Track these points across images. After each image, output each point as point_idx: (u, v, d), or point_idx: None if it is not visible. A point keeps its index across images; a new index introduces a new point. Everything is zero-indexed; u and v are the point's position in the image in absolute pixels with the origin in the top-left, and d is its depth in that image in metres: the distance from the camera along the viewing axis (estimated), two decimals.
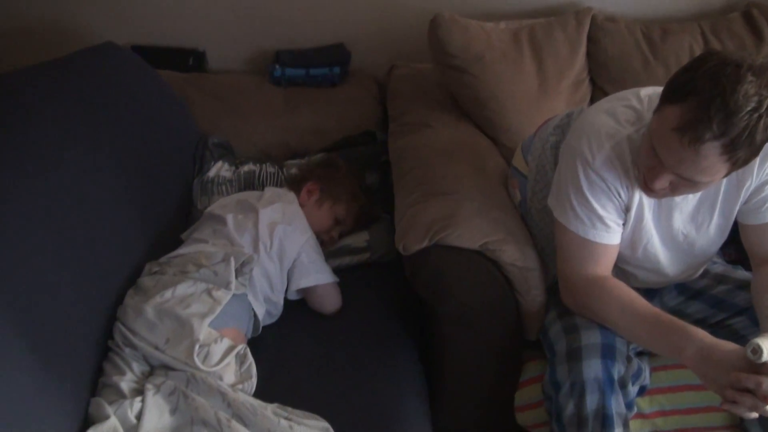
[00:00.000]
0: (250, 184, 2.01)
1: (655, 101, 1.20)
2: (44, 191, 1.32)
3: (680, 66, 1.16)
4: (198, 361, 1.32)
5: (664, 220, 1.40)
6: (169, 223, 1.77)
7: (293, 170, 2.03)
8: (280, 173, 2.04)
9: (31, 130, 1.38)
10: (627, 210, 1.37)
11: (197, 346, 1.33)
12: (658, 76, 2.02)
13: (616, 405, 1.31)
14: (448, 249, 1.47)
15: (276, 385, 1.44)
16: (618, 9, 2.23)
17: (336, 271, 1.75)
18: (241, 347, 1.42)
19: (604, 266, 1.40)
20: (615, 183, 1.33)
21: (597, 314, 1.38)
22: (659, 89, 1.21)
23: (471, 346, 1.56)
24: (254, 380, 1.40)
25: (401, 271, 1.62)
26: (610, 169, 1.32)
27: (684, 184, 1.21)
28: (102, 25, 2.32)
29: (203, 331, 1.36)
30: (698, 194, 1.36)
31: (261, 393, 1.39)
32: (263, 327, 1.62)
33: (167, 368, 1.35)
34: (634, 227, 1.40)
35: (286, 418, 1.27)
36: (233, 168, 2.03)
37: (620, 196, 1.35)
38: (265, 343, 1.58)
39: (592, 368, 1.31)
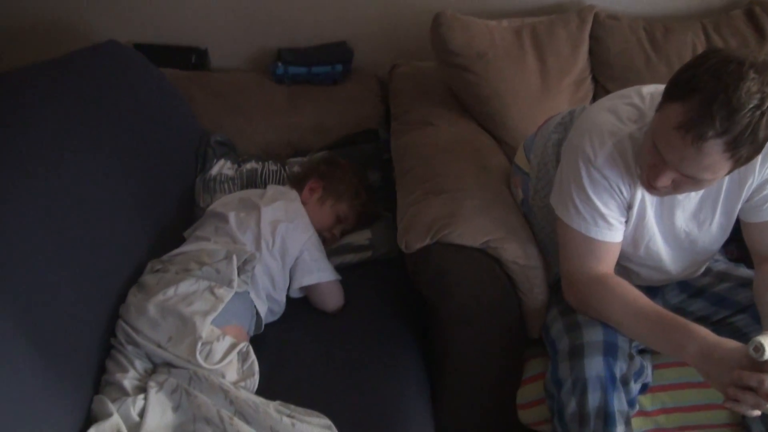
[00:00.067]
0: (253, 182, 2.01)
1: (657, 99, 1.20)
2: (46, 190, 1.32)
3: (683, 64, 1.16)
4: (200, 359, 1.32)
5: (666, 217, 1.40)
6: (172, 221, 1.77)
7: (295, 168, 2.03)
8: (283, 171, 2.04)
9: (33, 128, 1.39)
10: (629, 207, 1.37)
11: (200, 344, 1.34)
12: (661, 74, 2.01)
13: (618, 402, 1.31)
14: (450, 247, 1.47)
15: (278, 382, 1.44)
16: (620, 7, 2.23)
17: (338, 269, 1.75)
18: (244, 345, 1.42)
19: (607, 264, 1.40)
20: (617, 181, 1.33)
21: (599, 312, 1.38)
22: (661, 87, 1.21)
23: (473, 343, 1.56)
24: (256, 378, 1.40)
25: (403, 269, 1.62)
26: (613, 167, 1.32)
27: (687, 181, 1.21)
28: (104, 24, 2.33)
29: (206, 328, 1.36)
30: (700, 192, 1.36)
31: (263, 390, 1.39)
32: (265, 325, 1.62)
33: (170, 366, 1.35)
34: (637, 225, 1.40)
35: (288, 416, 1.27)
36: (236, 166, 2.04)
37: (622, 194, 1.35)
38: (267, 341, 1.58)
39: (594, 366, 1.31)
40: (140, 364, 1.36)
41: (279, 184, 1.98)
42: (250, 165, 2.04)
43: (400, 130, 2.02)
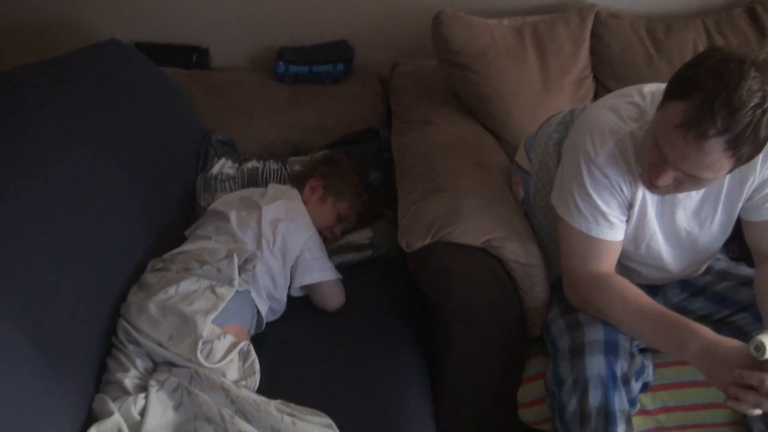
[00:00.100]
0: (254, 180, 2.01)
1: (658, 98, 1.20)
2: (46, 189, 1.32)
3: (684, 62, 1.16)
4: (201, 358, 1.33)
5: (667, 216, 1.40)
6: (172, 219, 1.77)
7: (296, 167, 2.03)
8: (284, 170, 2.04)
9: (33, 127, 1.39)
10: (630, 206, 1.37)
11: (200, 343, 1.34)
12: (662, 73, 2.01)
13: (619, 401, 1.31)
14: (451, 246, 1.47)
15: (279, 381, 1.44)
16: (621, 5, 2.22)
17: (339, 268, 1.75)
18: (244, 344, 1.42)
19: (608, 263, 1.40)
20: (618, 179, 1.33)
21: (600, 311, 1.38)
22: (662, 86, 1.21)
23: (474, 342, 1.56)
24: (257, 377, 1.40)
25: (404, 268, 1.63)
26: (613, 166, 1.32)
27: (688, 180, 1.21)
28: (105, 23, 2.33)
29: (206, 327, 1.36)
30: (701, 191, 1.36)
31: (264, 389, 1.39)
32: (266, 324, 1.62)
33: (171, 365, 1.35)
34: (637, 224, 1.40)
35: (289, 415, 1.27)
36: (236, 165, 2.04)
37: (623, 193, 1.34)
38: (268, 340, 1.58)
39: (595, 365, 1.31)
40: (141, 363, 1.36)
41: (280, 183, 1.98)
42: (251, 164, 2.04)
43: (400, 129, 2.02)
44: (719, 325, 1.46)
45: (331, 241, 1.84)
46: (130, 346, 1.37)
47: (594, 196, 1.34)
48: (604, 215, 1.35)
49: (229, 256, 1.52)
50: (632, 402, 1.37)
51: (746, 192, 1.35)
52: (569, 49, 2.06)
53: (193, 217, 1.87)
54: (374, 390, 1.44)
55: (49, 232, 1.28)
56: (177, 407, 1.29)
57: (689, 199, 1.38)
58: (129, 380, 1.31)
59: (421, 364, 1.60)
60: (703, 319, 1.46)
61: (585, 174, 1.34)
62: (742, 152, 1.11)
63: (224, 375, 1.34)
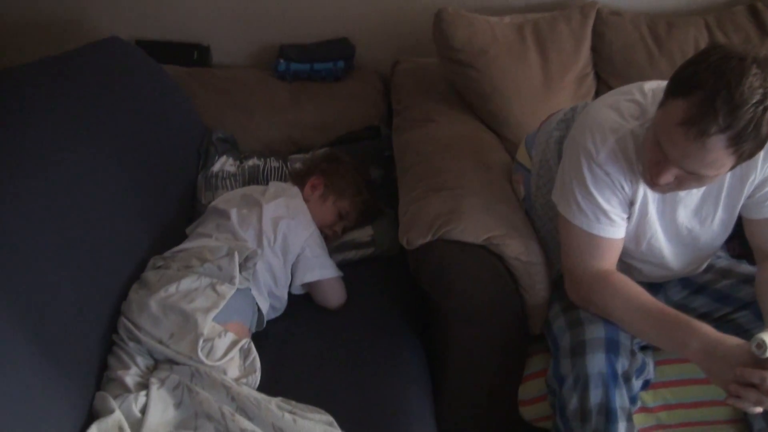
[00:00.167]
0: (254, 178, 2.01)
1: (659, 95, 1.20)
2: (47, 187, 1.32)
3: (685, 60, 1.16)
4: (202, 356, 1.33)
5: (668, 214, 1.40)
6: (174, 217, 1.77)
7: (297, 165, 2.03)
8: (285, 168, 2.04)
9: (34, 126, 1.39)
10: (631, 204, 1.37)
11: (201, 341, 1.34)
12: (663, 70, 2.01)
13: (620, 399, 1.31)
14: (451, 243, 1.47)
15: (280, 379, 1.44)
16: (623, 3, 2.22)
17: (340, 265, 1.75)
18: (245, 341, 1.42)
19: (609, 261, 1.40)
20: (619, 177, 1.33)
21: (602, 309, 1.38)
22: (663, 83, 1.21)
23: (475, 340, 1.56)
24: (258, 374, 1.40)
25: (405, 266, 1.62)
26: (614, 164, 1.32)
27: (690, 178, 1.21)
28: (106, 20, 2.33)
29: (207, 325, 1.36)
30: (702, 189, 1.36)
31: (265, 387, 1.39)
32: (267, 321, 1.62)
33: (172, 362, 1.35)
34: (639, 221, 1.40)
35: (290, 412, 1.27)
36: (237, 162, 2.04)
37: (624, 190, 1.34)
38: (269, 338, 1.58)
39: (596, 362, 1.31)
40: (142, 361, 1.36)
41: (281, 180, 1.98)
42: (251, 162, 2.04)
43: (401, 127, 2.02)
44: (720, 323, 1.46)
45: (331, 238, 1.84)
46: (131, 344, 1.37)
47: (595, 193, 1.34)
48: (605, 213, 1.35)
49: (230, 254, 1.52)
50: (633, 399, 1.37)
51: (747, 190, 1.35)
52: (570, 46, 2.06)
53: (194, 215, 1.88)
54: (375, 388, 1.44)
55: (49, 230, 1.28)
56: (178, 405, 1.29)
57: (690, 197, 1.38)
58: (130, 378, 1.31)
59: (421, 362, 1.60)
60: (704, 316, 1.47)
61: (586, 172, 1.34)
62: (743, 149, 1.11)
63: (225, 373, 1.34)
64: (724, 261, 1.58)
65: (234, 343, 1.39)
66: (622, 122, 1.32)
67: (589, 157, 1.33)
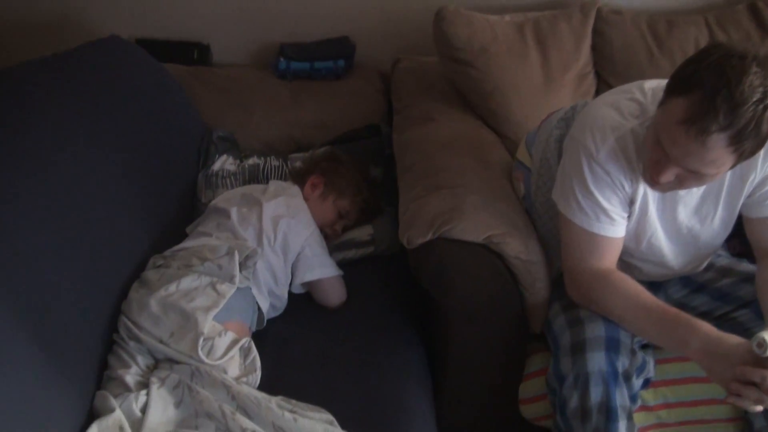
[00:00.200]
0: (255, 177, 2.01)
1: (659, 94, 1.20)
2: (47, 186, 1.32)
3: (685, 59, 1.16)
4: (202, 355, 1.33)
5: (668, 213, 1.40)
6: (174, 216, 1.77)
7: (297, 164, 2.03)
8: (285, 167, 2.04)
9: (34, 124, 1.39)
10: (631, 203, 1.37)
11: (201, 340, 1.33)
12: (664, 69, 2.01)
13: (620, 398, 1.31)
14: (452, 242, 1.47)
15: (280, 378, 1.44)
16: (623, 1, 2.22)
17: (340, 264, 1.75)
18: (245, 340, 1.42)
19: (609, 259, 1.40)
20: (619, 176, 1.33)
21: (602, 307, 1.38)
22: (663, 82, 1.21)
23: (475, 338, 1.56)
24: (258, 373, 1.40)
25: (405, 265, 1.62)
26: (614, 162, 1.32)
27: (690, 176, 1.21)
28: (107, 19, 2.33)
29: (207, 324, 1.36)
30: (702, 187, 1.36)
31: (265, 386, 1.39)
32: (267, 320, 1.62)
33: (172, 361, 1.35)
34: (639, 220, 1.40)
35: (290, 411, 1.27)
36: (238, 161, 2.04)
37: (624, 189, 1.34)
38: (269, 337, 1.58)
39: (596, 361, 1.31)
40: (142, 360, 1.36)
41: (281, 179, 1.98)
42: (252, 160, 2.04)
43: (402, 126, 2.02)
44: (720, 322, 1.46)
45: (332, 237, 1.84)
46: (132, 343, 1.37)
47: (595, 192, 1.34)
48: (605, 211, 1.35)
49: (230, 253, 1.52)
50: (633, 398, 1.37)
51: (747, 188, 1.35)
52: (571, 45, 2.06)
53: (194, 214, 1.87)
54: (375, 387, 1.44)
55: (49, 230, 1.28)
56: (178, 404, 1.29)
57: (690, 196, 1.38)
58: (130, 377, 1.31)
59: (422, 361, 1.60)
60: (704, 315, 1.46)
61: (586, 170, 1.34)
62: (744, 148, 1.11)
63: (225, 372, 1.34)
64: (725, 259, 1.58)
65: (234, 342, 1.39)
66: (622, 121, 1.32)
67: (590, 156, 1.33)
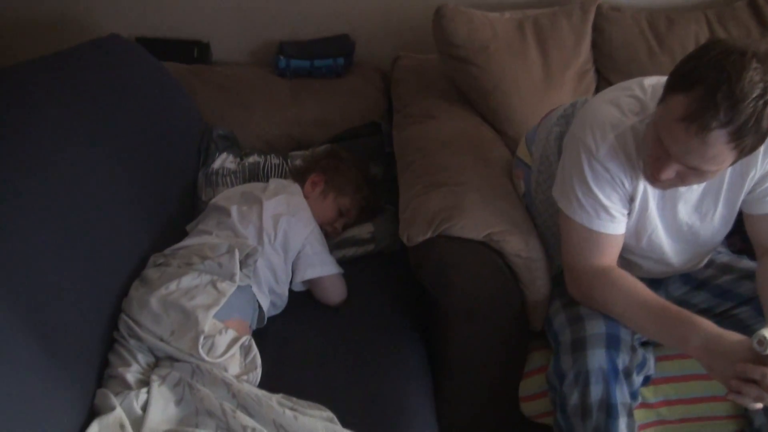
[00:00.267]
0: (255, 175, 2.01)
1: (659, 91, 1.20)
2: (47, 185, 1.32)
3: (685, 55, 1.16)
4: (203, 353, 1.33)
5: (668, 210, 1.40)
6: (174, 214, 1.77)
7: (298, 162, 2.03)
8: (285, 165, 2.04)
9: (34, 123, 1.39)
10: (631, 200, 1.37)
11: (202, 338, 1.33)
12: (664, 66, 2.00)
13: (621, 395, 1.32)
14: (452, 240, 1.47)
15: (281, 375, 1.44)
16: None
17: (340, 262, 1.75)
18: (246, 338, 1.43)
19: (609, 256, 1.40)
20: (619, 173, 1.33)
21: (602, 305, 1.38)
22: (662, 79, 1.21)
23: (475, 336, 1.56)
24: (259, 371, 1.40)
25: (405, 263, 1.62)
26: (614, 159, 1.32)
27: (691, 173, 1.20)
28: (106, 18, 2.33)
29: (208, 322, 1.36)
30: (702, 184, 1.36)
31: (266, 384, 1.39)
32: (268, 318, 1.62)
33: (172, 359, 1.35)
34: (639, 217, 1.39)
35: (290, 409, 1.27)
36: (238, 159, 2.04)
37: (624, 186, 1.34)
38: (270, 335, 1.58)
39: (597, 358, 1.31)
40: (143, 358, 1.36)
41: (281, 177, 1.98)
42: (252, 158, 2.04)
43: (402, 123, 2.02)
44: (721, 319, 1.46)
45: (332, 235, 1.84)
46: (132, 341, 1.37)
47: (595, 189, 1.34)
48: (605, 209, 1.35)
49: (230, 251, 1.52)
50: (634, 395, 1.37)
51: (747, 185, 1.35)
52: (571, 42, 2.06)
53: (195, 213, 1.87)
54: (375, 384, 1.44)
55: (49, 228, 1.27)
56: (179, 402, 1.29)
57: (690, 193, 1.38)
58: (131, 375, 1.31)
59: (422, 359, 1.60)
60: (704, 312, 1.46)
61: (586, 168, 1.33)
62: (745, 144, 1.11)
63: (226, 370, 1.34)
64: (725, 256, 1.58)
65: (235, 340, 1.39)
66: (622, 118, 1.32)
67: (589, 153, 1.33)
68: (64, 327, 1.24)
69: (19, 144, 1.32)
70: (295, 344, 1.57)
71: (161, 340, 1.36)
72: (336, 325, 1.62)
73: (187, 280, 1.45)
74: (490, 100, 2.00)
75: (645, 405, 1.51)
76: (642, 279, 1.37)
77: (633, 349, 1.37)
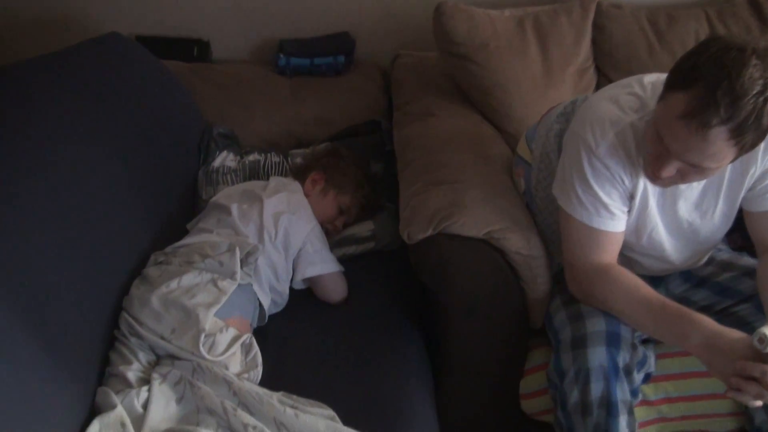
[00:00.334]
0: (255, 173, 2.01)
1: (659, 88, 1.20)
2: (47, 184, 1.32)
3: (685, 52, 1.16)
4: (204, 351, 1.33)
5: (668, 207, 1.40)
6: (175, 213, 1.77)
7: (298, 160, 2.03)
8: (285, 163, 2.04)
9: (34, 122, 1.39)
10: (631, 197, 1.37)
11: (203, 336, 1.34)
12: (664, 63, 2.00)
13: (621, 392, 1.32)
14: (452, 237, 1.47)
15: (281, 374, 1.44)
16: None
17: (341, 260, 1.75)
18: (247, 336, 1.43)
19: (610, 254, 1.40)
20: (619, 170, 1.33)
21: (603, 302, 1.38)
22: (662, 76, 1.21)
23: (476, 334, 1.56)
24: (260, 369, 1.41)
25: (406, 260, 1.62)
26: (614, 157, 1.32)
27: (691, 170, 1.20)
28: (107, 16, 2.33)
29: (209, 320, 1.37)
30: (703, 182, 1.36)
31: (267, 382, 1.39)
32: (269, 316, 1.62)
33: (173, 357, 1.35)
34: (639, 215, 1.39)
35: (291, 407, 1.28)
36: (238, 158, 2.04)
37: (624, 184, 1.34)
38: (270, 333, 1.58)
39: (597, 356, 1.31)
40: (144, 356, 1.37)
41: (282, 175, 1.98)
42: (252, 157, 2.04)
43: (402, 121, 2.01)
44: (721, 316, 1.46)
45: (332, 233, 1.84)
46: (133, 339, 1.37)
47: (595, 187, 1.34)
48: (605, 206, 1.35)
49: (231, 250, 1.52)
50: (634, 393, 1.37)
51: (747, 182, 1.35)
52: (571, 39, 2.06)
53: (195, 211, 1.88)
54: (376, 382, 1.44)
55: (49, 227, 1.28)
56: (180, 400, 1.29)
57: (691, 190, 1.38)
58: (132, 373, 1.32)
59: (422, 356, 1.60)
60: (705, 309, 1.46)
61: (586, 165, 1.33)
62: (745, 140, 1.11)
63: (227, 368, 1.35)
64: (725, 254, 1.58)
65: (235, 339, 1.40)
66: (622, 115, 1.32)
67: (589, 151, 1.32)
68: (65, 326, 1.24)
69: (18, 142, 1.32)
70: (295, 342, 1.57)
71: (162, 338, 1.36)
72: (336, 323, 1.63)
73: (188, 279, 1.45)
74: (490, 97, 2.00)
75: (645, 402, 1.51)
76: (642, 276, 1.37)
77: (633, 347, 1.37)
